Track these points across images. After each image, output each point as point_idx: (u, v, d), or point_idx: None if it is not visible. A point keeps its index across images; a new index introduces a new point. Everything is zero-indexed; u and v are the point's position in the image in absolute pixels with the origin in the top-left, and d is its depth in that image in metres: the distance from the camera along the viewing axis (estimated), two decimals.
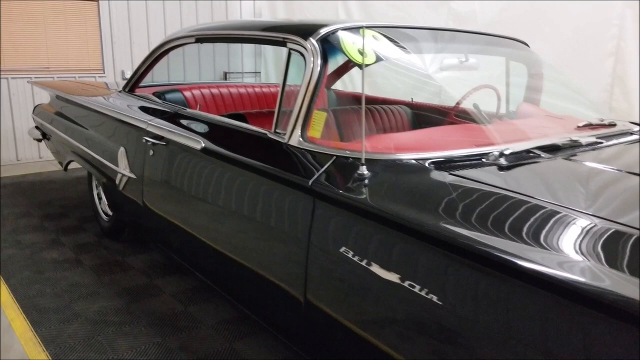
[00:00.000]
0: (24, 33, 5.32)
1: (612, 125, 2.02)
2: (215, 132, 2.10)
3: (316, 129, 1.71)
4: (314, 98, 1.72)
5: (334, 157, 1.57)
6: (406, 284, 1.21)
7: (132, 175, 2.54)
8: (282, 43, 1.90)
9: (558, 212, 1.14)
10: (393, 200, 1.33)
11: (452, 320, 1.13)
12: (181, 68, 6.39)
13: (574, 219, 1.13)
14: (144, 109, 2.67)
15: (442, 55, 2.31)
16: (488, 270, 1.08)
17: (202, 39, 2.42)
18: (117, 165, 2.67)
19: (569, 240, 1.07)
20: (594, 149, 1.70)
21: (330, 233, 1.44)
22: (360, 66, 1.70)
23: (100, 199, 3.48)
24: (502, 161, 1.46)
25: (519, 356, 1.02)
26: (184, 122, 2.32)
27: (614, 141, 1.83)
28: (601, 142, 1.74)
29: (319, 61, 1.74)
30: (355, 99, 3.40)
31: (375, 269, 1.29)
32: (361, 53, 1.76)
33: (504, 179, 1.40)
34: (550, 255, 1.03)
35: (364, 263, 1.32)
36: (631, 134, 1.98)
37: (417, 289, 1.19)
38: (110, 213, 3.34)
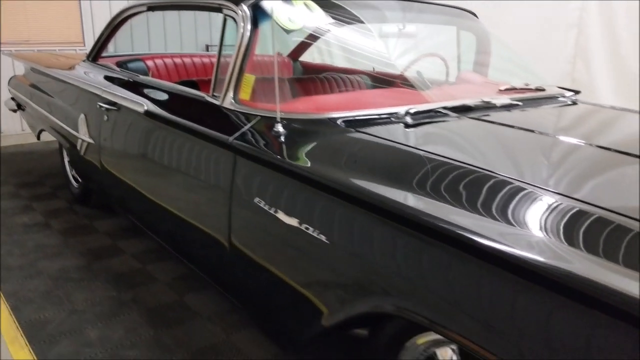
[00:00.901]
0: (4, 7, 5.35)
1: (541, 90, 2.12)
2: (161, 97, 2.21)
3: (246, 92, 1.81)
4: (245, 62, 1.82)
5: (259, 117, 1.68)
6: (303, 227, 1.34)
7: (91, 141, 2.65)
8: (218, 9, 1.99)
9: (456, 168, 1.22)
10: (301, 155, 1.45)
11: (335, 256, 1.26)
12: (162, 41, 6.44)
13: (474, 175, 1.18)
14: (104, 77, 2.77)
15: (384, 25, 2.40)
16: (371, 215, 1.20)
17: (153, 7, 2.51)
18: (77, 132, 2.78)
19: (461, 192, 1.14)
20: (509, 111, 1.80)
21: (248, 185, 1.56)
22: (287, 32, 1.81)
23: (71, 166, 3.59)
24: (408, 119, 1.57)
25: (389, 283, 1.15)
26: (136, 88, 2.42)
27: (534, 104, 1.94)
28: (518, 104, 1.85)
29: (249, 26, 1.84)
30: (320, 69, 3.49)
31: (281, 215, 1.41)
32: (291, 20, 1.85)
33: (407, 136, 1.51)
34: (439, 205, 1.11)
35: (272, 211, 1.44)
36: (558, 98, 2.09)
37: (311, 230, 1.32)
38: (80, 180, 3.46)
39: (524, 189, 1.11)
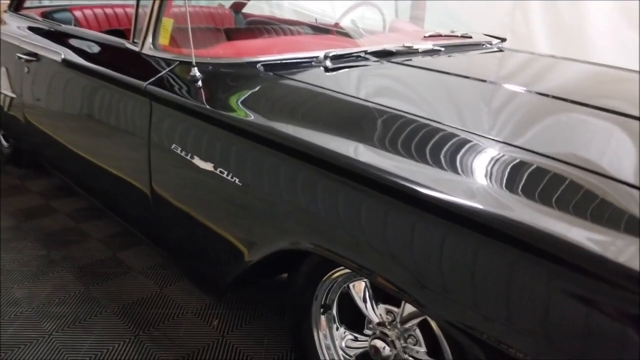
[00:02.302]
0: None
1: (467, 37, 2.14)
2: (81, 46, 2.11)
3: (164, 36, 1.75)
4: (163, 6, 1.75)
5: (177, 62, 1.63)
6: (217, 171, 1.32)
7: (13, 95, 2.52)
8: None
9: (375, 111, 1.22)
10: (217, 99, 1.41)
11: (250, 198, 1.26)
12: None
13: (390, 117, 1.18)
14: (27, 28, 2.62)
15: None
16: (282, 156, 1.20)
17: None
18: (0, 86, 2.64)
19: (377, 132, 1.14)
20: (431, 56, 1.81)
21: (164, 132, 1.53)
22: None
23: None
24: (328, 63, 1.55)
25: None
26: (58, 38, 2.30)
27: (458, 50, 1.95)
28: (440, 50, 1.86)
29: None
30: (265, 21, 3.40)
31: (197, 161, 1.39)
32: None
33: (325, 79, 1.50)
34: (353, 144, 1.11)
35: (188, 157, 1.42)
36: (484, 45, 2.11)
37: (225, 174, 1.30)
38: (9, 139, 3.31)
39: (439, 129, 1.11)
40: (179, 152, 1.45)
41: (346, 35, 2.33)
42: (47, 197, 2.89)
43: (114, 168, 1.84)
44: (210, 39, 2.08)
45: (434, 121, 1.14)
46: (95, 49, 2.02)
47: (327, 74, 1.52)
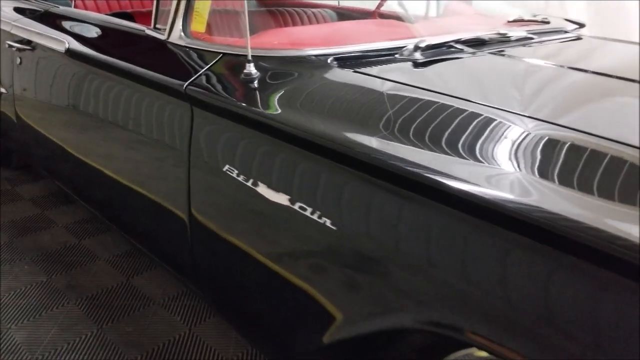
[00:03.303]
0: None
1: (546, 22, 1.81)
2: (87, 32, 1.73)
3: (200, 21, 1.39)
4: None
5: (220, 55, 1.28)
6: (297, 206, 0.98)
7: (2, 90, 2.14)
8: None
9: (488, 115, 0.91)
10: (285, 105, 1.06)
11: (348, 248, 0.91)
12: None
13: (507, 123, 0.89)
14: (14, 9, 2.22)
15: None
16: (398, 190, 0.85)
17: None
18: None
19: (500, 148, 0.83)
20: (524, 45, 1.48)
21: (212, 146, 1.17)
22: None
23: None
24: (418, 56, 1.21)
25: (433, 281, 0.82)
26: (55, 22, 1.92)
27: (547, 38, 1.62)
28: (532, 38, 1.53)
29: None
30: (279, 3, 3.03)
31: (262, 189, 1.04)
32: None
33: (420, 76, 1.15)
34: (477, 168, 0.79)
35: (249, 183, 1.07)
36: (565, 32, 1.78)
37: (309, 212, 0.96)
38: None
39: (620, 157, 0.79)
40: (234, 175, 1.10)
41: (397, 19, 1.98)
42: (42, 206, 2.52)
43: (134, 182, 1.49)
44: (235, 25, 1.72)
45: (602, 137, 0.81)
46: (107, 36, 1.65)
47: (421, 69, 1.18)
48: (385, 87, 1.03)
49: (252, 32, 1.70)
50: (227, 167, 1.12)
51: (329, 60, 1.18)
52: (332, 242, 0.93)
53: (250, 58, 1.15)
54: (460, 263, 0.77)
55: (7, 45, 1.94)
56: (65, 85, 1.70)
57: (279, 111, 1.05)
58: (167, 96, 1.29)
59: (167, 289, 1.88)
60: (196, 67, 1.27)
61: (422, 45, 1.21)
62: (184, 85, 1.21)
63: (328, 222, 0.92)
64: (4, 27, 2.04)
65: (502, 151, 0.81)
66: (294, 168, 1.00)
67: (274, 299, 1.11)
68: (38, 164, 2.28)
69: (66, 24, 1.85)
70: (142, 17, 2.06)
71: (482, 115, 0.90)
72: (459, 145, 0.83)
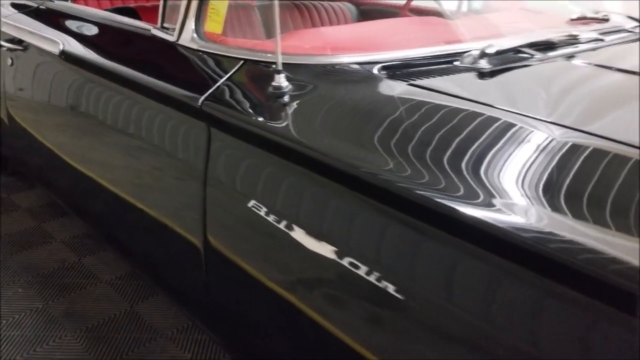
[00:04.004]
0: None
1: (605, 20, 1.59)
2: (85, 31, 1.52)
3: (216, 21, 1.18)
4: None
5: (242, 62, 1.07)
6: (345, 262, 0.77)
7: None
8: None
9: (593, 146, 0.70)
10: (327, 130, 0.85)
11: (419, 320, 0.70)
12: None
13: (608, 149, 0.69)
14: (11, 5, 2.01)
15: None
16: (481, 253, 0.64)
17: None
18: None
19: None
20: (594, 49, 1.26)
21: (234, 177, 0.97)
22: None
23: None
24: (484, 64, 0.99)
25: None
26: (51, 19, 1.71)
27: (612, 38, 1.40)
28: (602, 40, 1.31)
29: None
30: None
31: (298, 235, 0.84)
32: None
33: (493, 91, 0.94)
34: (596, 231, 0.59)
35: (282, 226, 0.86)
36: (627, 31, 1.56)
37: (363, 271, 0.75)
38: None
39: None
40: (262, 214, 0.89)
41: (431, 16, 1.77)
42: (40, 217, 2.32)
43: (138, 200, 1.28)
44: (247, 22, 1.52)
45: None
46: (107, 37, 1.44)
47: (492, 82, 0.97)
48: (455, 107, 0.82)
49: (271, 32, 1.50)
50: (253, 202, 0.91)
51: (375, 70, 0.97)
52: (393, 310, 0.72)
53: (280, 67, 0.94)
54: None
55: None
56: (60, 91, 1.50)
57: (319, 138, 0.84)
58: (178, 112, 1.08)
59: (174, 319, 1.69)
60: (213, 76, 1.06)
61: (491, 51, 0.99)
62: (200, 100, 1.00)
63: (390, 287, 0.71)
64: None
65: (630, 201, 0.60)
66: (341, 212, 0.79)
67: (303, 352, 0.91)
68: (31, 173, 2.09)
69: (62, 22, 1.64)
70: (148, 13, 1.85)
71: (585, 146, 0.69)
72: (573, 194, 0.62)
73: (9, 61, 1.74)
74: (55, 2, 1.80)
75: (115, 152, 1.35)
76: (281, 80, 0.94)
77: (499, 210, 0.62)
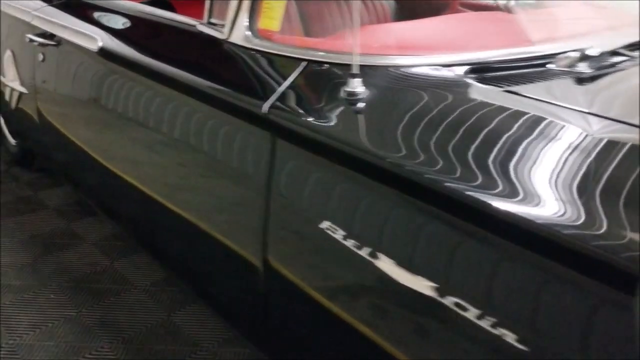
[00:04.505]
0: None
1: None
2: (122, 26, 1.43)
3: (272, 17, 1.07)
4: None
5: (304, 63, 0.96)
6: (449, 301, 0.67)
7: (23, 90, 1.85)
8: None
9: None
10: (413, 143, 0.75)
11: None
12: None
13: None
14: None
15: None
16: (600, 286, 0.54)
17: None
18: (3, 76, 1.97)
19: None
20: None
21: (303, 193, 0.87)
22: None
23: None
24: (584, 68, 0.88)
25: None
26: (83, 12, 1.62)
27: None
28: None
29: None
30: None
31: (386, 265, 0.73)
32: None
33: (607, 100, 0.83)
34: None
35: (364, 253, 0.76)
36: None
37: (471, 314, 0.65)
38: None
39: None
40: (339, 238, 0.79)
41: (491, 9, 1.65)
42: (68, 217, 2.25)
43: (184, 208, 1.19)
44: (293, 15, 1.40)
45: None
46: (148, 32, 1.35)
47: (590, 86, 0.85)
48: (570, 120, 0.71)
49: (311, 28, 1.39)
50: (327, 224, 0.81)
51: (462, 73, 0.86)
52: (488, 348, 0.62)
53: (357, 71, 0.83)
54: None
55: (27, 40, 1.64)
56: (97, 89, 1.41)
57: (406, 152, 0.73)
58: (235, 118, 0.98)
59: (213, 330, 1.60)
60: (275, 80, 0.96)
61: (594, 53, 0.87)
62: (265, 107, 0.90)
63: (512, 338, 0.61)
64: (23, 17, 1.75)
65: None
66: (440, 240, 0.69)
67: None
68: (59, 170, 2.01)
69: (97, 15, 1.55)
70: (183, 5, 1.76)
71: None
72: None
73: (41, 56, 1.66)
74: None
75: (156, 155, 1.26)
76: (357, 85, 0.84)
77: None
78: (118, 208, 1.60)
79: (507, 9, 1.44)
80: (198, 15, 1.72)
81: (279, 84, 0.94)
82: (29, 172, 2.64)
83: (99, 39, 1.32)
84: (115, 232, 2.12)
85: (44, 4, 1.76)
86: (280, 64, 1.00)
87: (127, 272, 1.87)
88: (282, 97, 0.91)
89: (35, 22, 1.66)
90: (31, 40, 1.63)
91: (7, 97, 2.01)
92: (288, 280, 0.91)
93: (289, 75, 0.95)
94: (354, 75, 0.83)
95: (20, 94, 1.90)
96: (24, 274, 1.84)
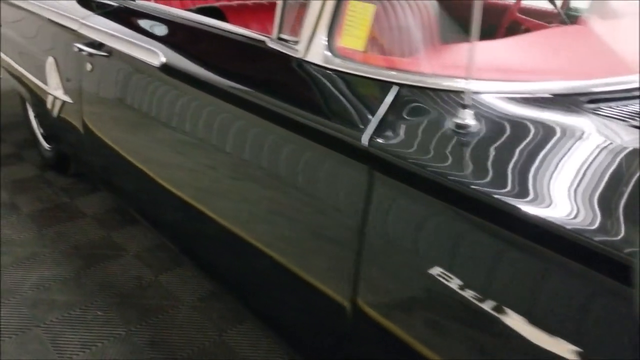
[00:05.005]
0: None
1: None
2: (181, 38, 1.37)
3: (356, 35, 1.00)
4: None
5: (397, 88, 0.89)
6: None
7: (68, 99, 1.80)
8: None
9: None
10: (542, 184, 0.68)
11: None
12: None
13: None
14: (79, 1, 1.87)
15: None
16: None
17: None
18: (46, 83, 1.92)
19: None
20: None
21: (408, 235, 0.80)
22: None
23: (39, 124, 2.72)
24: None
25: None
26: (134, 20, 1.56)
27: None
28: None
29: None
30: None
31: (516, 323, 0.67)
32: None
33: None
34: None
35: (487, 307, 0.69)
36: None
37: None
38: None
39: None
40: (455, 287, 0.73)
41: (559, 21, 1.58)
42: (107, 226, 2.20)
43: (260, 239, 1.13)
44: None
45: None
46: (211, 47, 1.28)
47: None
48: None
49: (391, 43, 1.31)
50: (438, 270, 0.74)
51: (583, 105, 0.79)
52: None
53: (469, 102, 0.76)
54: None
55: (76, 49, 1.59)
56: (156, 104, 1.35)
57: (533, 196, 0.66)
58: (324, 147, 0.92)
59: (267, 351, 1.55)
60: (366, 106, 0.89)
61: None
62: (364, 138, 0.83)
63: None
64: (69, 24, 1.70)
65: None
66: (582, 299, 0.62)
67: None
68: (103, 180, 1.96)
69: (149, 26, 1.49)
70: (235, 13, 1.69)
71: None
72: None
73: (89, 66, 1.60)
74: (137, 1, 1.65)
75: (225, 179, 1.20)
76: (467, 117, 0.77)
77: None
78: (177, 231, 1.54)
79: (584, 23, 1.36)
80: (248, 24, 1.65)
81: (372, 112, 0.87)
82: (63, 177, 2.61)
83: (161, 54, 1.26)
84: (157, 242, 2.08)
85: (89, 12, 1.70)
86: (369, 88, 0.93)
87: (172, 287, 1.82)
88: (380, 127, 0.84)
89: (84, 31, 1.61)
90: (80, 50, 1.58)
91: (48, 105, 1.96)
92: (382, 327, 0.85)
93: (381, 102, 0.88)
94: (464, 106, 0.76)
95: (64, 103, 1.85)
96: (68, 289, 1.80)
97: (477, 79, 0.82)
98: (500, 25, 1.87)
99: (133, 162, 1.54)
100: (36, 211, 2.31)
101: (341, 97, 0.94)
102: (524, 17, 1.80)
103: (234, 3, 1.78)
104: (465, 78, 0.76)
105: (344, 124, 0.88)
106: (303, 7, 1.10)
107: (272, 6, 2.00)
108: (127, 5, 1.63)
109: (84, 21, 1.63)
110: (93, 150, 1.79)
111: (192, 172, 1.30)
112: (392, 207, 0.82)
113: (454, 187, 0.73)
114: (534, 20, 1.82)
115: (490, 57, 0.93)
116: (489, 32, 1.74)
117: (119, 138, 1.59)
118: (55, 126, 2.08)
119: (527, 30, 1.85)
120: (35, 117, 2.59)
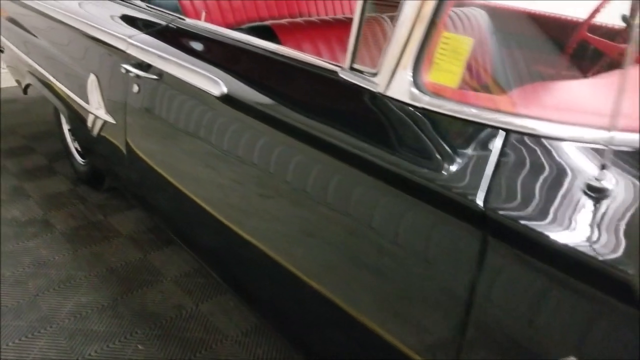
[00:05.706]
0: None
1: None
2: (240, 65, 1.28)
3: (449, 69, 0.90)
4: (441, 6, 0.89)
5: (504, 134, 0.78)
6: None
7: (110, 119, 1.73)
8: None
9: None
10: None
11: None
12: None
13: None
14: (122, 17, 1.79)
15: None
16: None
17: None
18: (87, 102, 1.85)
19: None
20: None
21: (527, 308, 0.69)
22: None
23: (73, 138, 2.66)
24: None
25: None
26: (184, 41, 1.48)
27: None
28: None
29: None
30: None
31: None
32: None
33: None
34: None
35: None
36: None
37: None
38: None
39: None
40: None
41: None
42: (143, 247, 2.13)
43: (336, 293, 1.03)
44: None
45: None
46: (276, 76, 1.19)
47: None
48: None
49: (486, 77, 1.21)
50: (571, 358, 0.63)
51: None
52: None
53: (608, 162, 0.65)
54: None
55: (123, 70, 1.51)
56: (214, 134, 1.26)
57: None
58: (428, 205, 0.81)
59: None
60: (470, 157, 0.78)
61: None
62: (479, 200, 0.73)
63: None
64: (116, 43, 1.62)
65: None
66: None
67: None
68: (142, 200, 1.88)
69: (202, 47, 1.40)
70: (286, 32, 1.60)
71: None
72: None
73: (136, 88, 1.52)
74: (186, 20, 1.56)
75: (290, 212, 1.10)
76: (606, 179, 0.66)
77: None
78: (237, 274, 1.44)
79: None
80: (300, 44, 1.54)
81: (481, 165, 0.76)
82: (95, 192, 2.54)
83: (223, 84, 1.16)
84: (194, 266, 1.99)
85: (136, 31, 1.62)
86: (469, 132, 0.82)
87: (214, 318, 1.73)
88: (493, 185, 0.73)
89: (131, 51, 1.52)
90: (127, 72, 1.49)
91: (89, 123, 1.89)
92: None
93: (489, 152, 0.77)
94: (603, 166, 0.65)
95: (105, 122, 1.77)
96: (106, 318, 1.72)
97: (614, 130, 0.70)
98: (568, 44, 1.75)
99: (179, 187, 1.45)
100: (70, 229, 2.24)
101: (439, 144, 0.83)
102: (593, 36, 1.68)
103: (284, 21, 1.69)
104: (608, 129, 0.65)
105: (452, 180, 0.77)
106: (375, 34, 1.01)
107: (324, 24, 1.91)
108: (176, 25, 1.55)
109: (131, 41, 1.55)
110: (137, 174, 1.71)
111: (257, 216, 1.20)
112: (509, 279, 0.71)
113: (590, 262, 0.62)
114: (605, 41, 1.70)
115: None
116: (556, 51, 1.63)
117: (167, 164, 1.50)
118: (93, 143, 2.01)
119: (597, 51, 1.73)
120: (70, 130, 2.53)
